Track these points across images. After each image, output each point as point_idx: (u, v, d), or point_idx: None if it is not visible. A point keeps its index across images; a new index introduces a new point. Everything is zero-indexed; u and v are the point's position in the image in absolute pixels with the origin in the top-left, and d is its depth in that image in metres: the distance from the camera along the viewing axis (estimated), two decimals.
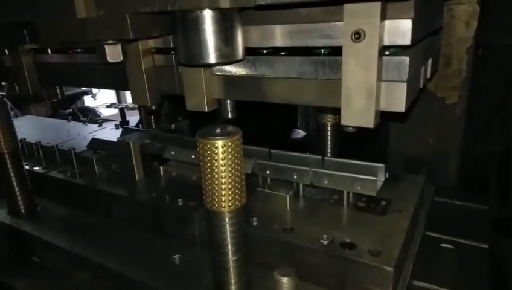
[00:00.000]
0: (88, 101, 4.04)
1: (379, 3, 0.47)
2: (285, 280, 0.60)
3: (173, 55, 0.72)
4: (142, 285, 0.77)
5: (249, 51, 0.62)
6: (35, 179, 1.14)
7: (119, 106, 2.08)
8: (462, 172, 1.05)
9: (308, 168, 0.86)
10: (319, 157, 0.89)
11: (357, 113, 0.54)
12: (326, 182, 0.85)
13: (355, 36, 0.50)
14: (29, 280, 0.92)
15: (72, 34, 0.62)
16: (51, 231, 0.98)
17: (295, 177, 0.88)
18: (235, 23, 0.56)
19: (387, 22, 0.50)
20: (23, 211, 1.07)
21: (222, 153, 0.56)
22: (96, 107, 3.41)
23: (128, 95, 3.15)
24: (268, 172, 0.92)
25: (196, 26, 0.54)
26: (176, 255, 0.82)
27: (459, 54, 0.94)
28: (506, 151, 1.38)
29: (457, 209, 0.92)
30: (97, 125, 1.53)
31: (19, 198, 1.06)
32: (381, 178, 0.82)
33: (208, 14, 0.53)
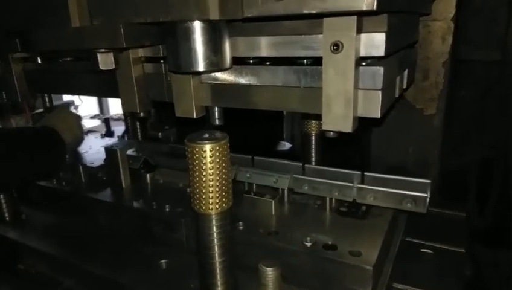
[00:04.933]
0: None
1: (355, 17, 0.51)
2: (269, 270, 0.65)
3: (162, 64, 0.75)
4: None
5: (236, 60, 0.65)
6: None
7: (104, 117, 2.07)
8: (441, 181, 1.09)
9: (352, 185, 0.83)
10: (359, 173, 0.85)
11: (337, 119, 0.57)
12: (371, 199, 0.82)
13: (334, 47, 0.53)
14: (14, 286, 0.91)
15: (67, 43, 0.64)
16: (36, 238, 0.98)
17: (336, 193, 0.85)
18: (223, 34, 0.60)
19: (363, 35, 0.54)
20: (7, 218, 1.07)
21: (210, 156, 0.59)
22: None
23: (111, 106, 3.16)
24: (305, 188, 0.89)
25: (186, 36, 0.57)
26: (163, 260, 0.83)
27: (436, 68, 0.98)
28: (483, 161, 1.44)
29: (436, 216, 0.96)
30: None
31: (3, 205, 1.06)
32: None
33: (197, 25, 0.56)
